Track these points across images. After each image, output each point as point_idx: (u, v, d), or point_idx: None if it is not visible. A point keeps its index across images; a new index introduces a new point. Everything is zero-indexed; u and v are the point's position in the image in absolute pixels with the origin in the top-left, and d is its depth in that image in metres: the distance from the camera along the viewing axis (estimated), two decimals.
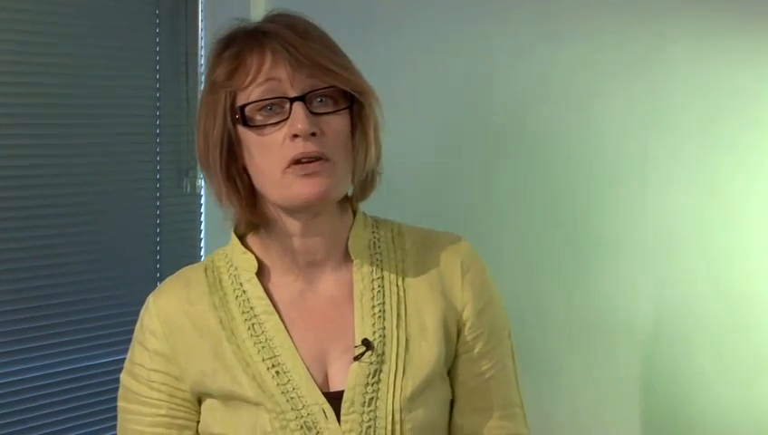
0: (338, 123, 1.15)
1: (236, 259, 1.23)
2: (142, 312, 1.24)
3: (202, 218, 2.43)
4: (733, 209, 1.53)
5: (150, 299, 1.24)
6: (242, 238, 1.24)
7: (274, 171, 1.13)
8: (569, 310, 1.73)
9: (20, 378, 2.08)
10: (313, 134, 1.12)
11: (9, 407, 2.06)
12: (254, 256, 1.22)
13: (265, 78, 1.13)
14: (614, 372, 1.68)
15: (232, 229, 1.25)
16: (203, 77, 2.35)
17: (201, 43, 2.38)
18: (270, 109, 1.13)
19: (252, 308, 1.19)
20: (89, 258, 2.20)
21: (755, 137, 1.50)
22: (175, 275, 1.27)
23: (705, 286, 1.56)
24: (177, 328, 1.20)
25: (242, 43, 1.15)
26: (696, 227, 1.57)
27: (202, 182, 2.39)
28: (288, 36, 1.13)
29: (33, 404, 2.10)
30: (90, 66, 2.17)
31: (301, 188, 1.12)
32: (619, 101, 1.65)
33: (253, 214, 1.19)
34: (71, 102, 2.15)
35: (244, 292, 1.21)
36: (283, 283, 1.21)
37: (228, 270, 1.23)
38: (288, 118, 1.12)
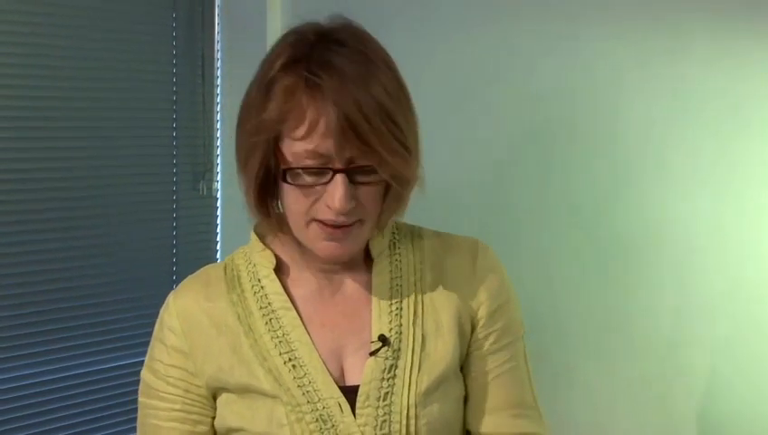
0: (375, 190, 1.14)
1: (255, 256, 1.24)
2: (162, 309, 1.25)
3: (218, 221, 2.44)
4: (752, 210, 1.53)
5: (170, 297, 1.25)
6: (262, 238, 1.26)
7: (299, 220, 1.14)
8: (586, 310, 1.73)
9: (35, 381, 2.09)
10: None
11: (24, 410, 2.07)
12: (272, 253, 1.23)
13: (314, 147, 1.08)
14: (631, 373, 1.68)
15: (252, 229, 1.26)
16: (219, 80, 2.39)
17: (217, 46, 2.40)
18: (311, 171, 1.10)
19: (270, 304, 1.21)
20: (105, 261, 2.21)
21: None
22: (195, 273, 1.29)
23: (724, 287, 1.55)
24: (195, 325, 1.21)
25: (300, 82, 1.08)
26: (714, 228, 1.56)
27: (218, 185, 2.40)
28: (350, 110, 1.06)
29: (49, 407, 2.11)
30: (106, 69, 2.19)
31: (324, 248, 1.14)
32: (637, 102, 1.65)
33: (281, 230, 1.20)
34: (87, 106, 2.17)
35: (262, 287, 1.22)
36: (302, 279, 1.23)
37: (247, 267, 1.25)
38: (328, 183, 1.10)
